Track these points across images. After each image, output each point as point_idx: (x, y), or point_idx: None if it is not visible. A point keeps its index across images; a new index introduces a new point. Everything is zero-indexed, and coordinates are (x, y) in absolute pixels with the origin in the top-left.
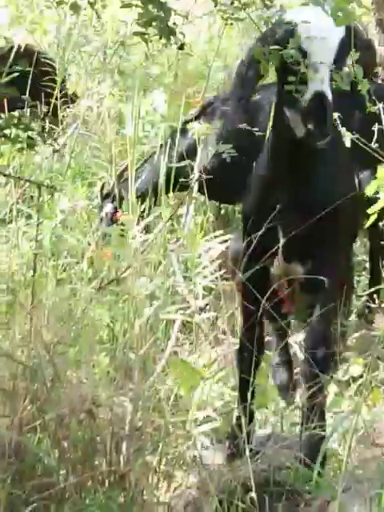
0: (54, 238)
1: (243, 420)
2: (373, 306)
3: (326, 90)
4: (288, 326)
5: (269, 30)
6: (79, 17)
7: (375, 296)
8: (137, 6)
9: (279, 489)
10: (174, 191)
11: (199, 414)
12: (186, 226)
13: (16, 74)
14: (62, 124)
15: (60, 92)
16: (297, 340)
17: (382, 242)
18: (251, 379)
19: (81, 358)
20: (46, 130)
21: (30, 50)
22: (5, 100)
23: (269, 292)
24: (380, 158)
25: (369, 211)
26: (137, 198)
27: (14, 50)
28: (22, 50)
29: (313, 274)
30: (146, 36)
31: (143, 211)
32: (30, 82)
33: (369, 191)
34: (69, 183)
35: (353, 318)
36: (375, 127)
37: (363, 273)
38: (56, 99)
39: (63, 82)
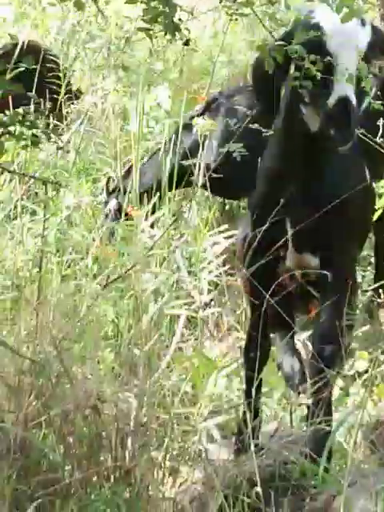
0: (59, 234)
1: (248, 415)
2: (379, 300)
3: (351, 94)
4: (293, 321)
5: (291, 30)
6: (83, 13)
7: (381, 291)
8: (142, 1)
9: (285, 484)
10: (178, 187)
11: (206, 408)
12: (191, 222)
13: (21, 71)
14: (66, 120)
15: (62, 87)
16: (301, 337)
17: None
18: (257, 375)
19: (86, 353)
20: (51, 128)
21: (34, 46)
22: (9, 97)
23: (274, 286)
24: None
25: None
26: (142, 193)
27: (19, 46)
28: (26, 46)
29: (323, 266)
30: (151, 32)
31: (154, 207)
32: (35, 79)
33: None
34: (73, 179)
35: (358, 312)
36: (380, 122)
37: (368, 268)
38: (57, 95)
39: (67, 78)
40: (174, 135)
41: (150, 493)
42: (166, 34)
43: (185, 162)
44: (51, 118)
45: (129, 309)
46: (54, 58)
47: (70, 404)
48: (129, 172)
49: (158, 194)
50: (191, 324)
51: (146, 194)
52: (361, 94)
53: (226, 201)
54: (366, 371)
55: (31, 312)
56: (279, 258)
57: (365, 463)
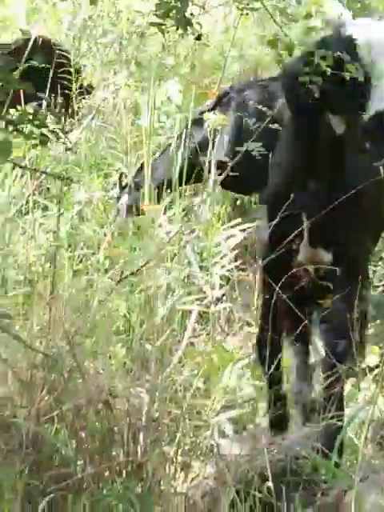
0: (71, 230)
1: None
2: None
3: None
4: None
5: (322, 42)
6: (96, 7)
7: None
8: None
9: (296, 478)
10: (189, 183)
11: (218, 403)
12: (202, 217)
13: (32, 67)
14: (77, 115)
15: (75, 83)
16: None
17: None
18: (273, 367)
19: (98, 348)
20: (60, 127)
21: (45, 42)
22: (21, 91)
23: (287, 279)
24: None
25: None
26: (154, 189)
27: (31, 42)
28: (39, 42)
29: (336, 261)
30: (163, 27)
31: (171, 202)
32: (47, 76)
33: None
34: (85, 174)
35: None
36: None
37: (379, 263)
38: (70, 90)
39: (79, 73)
40: (185, 130)
41: (161, 488)
42: (177, 28)
43: (199, 159)
44: (62, 116)
45: (140, 303)
46: (66, 54)
47: (82, 399)
48: (142, 167)
49: (169, 189)
50: (203, 319)
51: (158, 189)
52: None
53: (237, 196)
54: (377, 366)
55: (44, 307)
56: (293, 251)
57: (375, 458)
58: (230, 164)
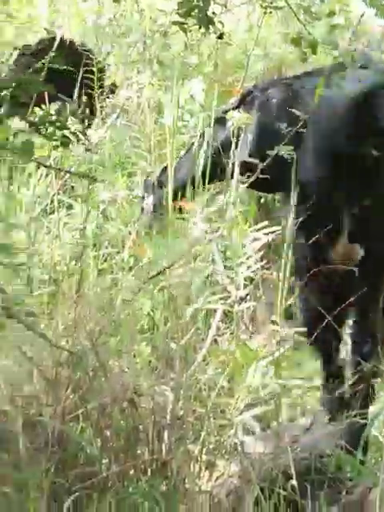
0: (96, 228)
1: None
2: None
3: None
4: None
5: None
6: (119, 6)
7: None
8: None
9: (321, 477)
10: (212, 182)
11: (242, 401)
12: (227, 215)
13: (56, 68)
14: (101, 114)
15: (98, 82)
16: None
17: None
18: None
19: (122, 347)
20: (81, 129)
21: (69, 42)
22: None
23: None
24: None
25: None
26: (178, 188)
27: (56, 42)
28: (66, 42)
29: (366, 256)
30: (185, 26)
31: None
32: (71, 76)
33: None
34: (109, 173)
35: None
36: None
37: None
38: (92, 89)
39: (102, 72)
40: (207, 129)
41: (186, 486)
42: (200, 27)
43: (222, 158)
44: (87, 113)
45: (164, 301)
46: (89, 53)
47: (107, 397)
48: (167, 167)
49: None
50: (227, 318)
51: (182, 189)
52: None
53: (261, 194)
54: None
55: (69, 306)
56: (329, 245)
57: None
58: (259, 166)
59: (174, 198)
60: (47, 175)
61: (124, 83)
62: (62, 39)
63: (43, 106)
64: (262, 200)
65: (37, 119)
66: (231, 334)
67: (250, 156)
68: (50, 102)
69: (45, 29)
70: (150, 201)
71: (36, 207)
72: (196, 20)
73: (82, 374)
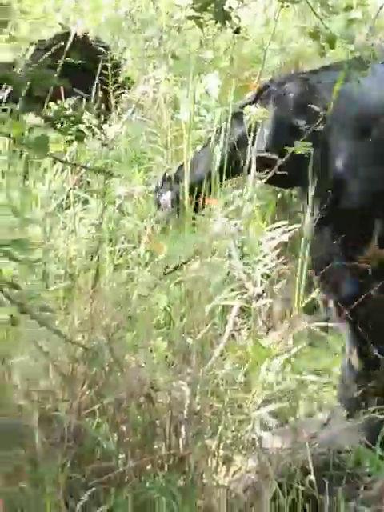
0: (112, 224)
1: None
2: None
3: None
4: None
5: None
6: (133, 3)
7: None
8: None
9: (339, 472)
10: (229, 177)
11: (259, 397)
12: (244, 211)
13: (71, 63)
14: (116, 109)
15: (114, 77)
16: None
17: None
18: None
19: (138, 342)
20: (97, 124)
21: (84, 36)
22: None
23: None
24: None
25: None
26: (195, 184)
27: (71, 37)
28: (80, 37)
29: None
30: (201, 20)
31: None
32: (86, 71)
33: None
34: (125, 168)
35: None
36: None
37: None
38: (107, 85)
39: (118, 67)
40: (224, 124)
41: (203, 481)
42: (216, 22)
43: (238, 153)
44: (102, 108)
45: (180, 296)
46: (104, 48)
47: (124, 392)
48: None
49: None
50: (244, 313)
51: (199, 185)
52: None
53: (278, 190)
54: None
55: (85, 301)
56: (360, 246)
57: None
58: (278, 162)
59: (191, 194)
60: (63, 170)
61: (140, 78)
62: (76, 34)
63: (59, 101)
64: (279, 195)
65: (52, 114)
66: (248, 329)
67: (266, 151)
68: (65, 98)
69: (59, 24)
70: (167, 196)
71: (52, 202)
72: (212, 14)
73: (98, 369)
